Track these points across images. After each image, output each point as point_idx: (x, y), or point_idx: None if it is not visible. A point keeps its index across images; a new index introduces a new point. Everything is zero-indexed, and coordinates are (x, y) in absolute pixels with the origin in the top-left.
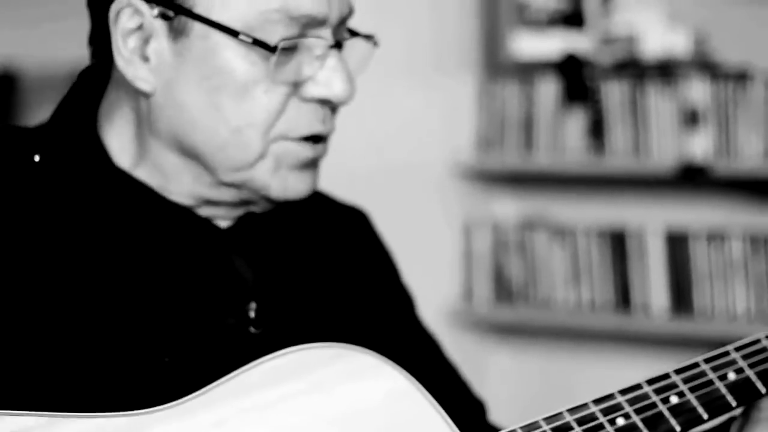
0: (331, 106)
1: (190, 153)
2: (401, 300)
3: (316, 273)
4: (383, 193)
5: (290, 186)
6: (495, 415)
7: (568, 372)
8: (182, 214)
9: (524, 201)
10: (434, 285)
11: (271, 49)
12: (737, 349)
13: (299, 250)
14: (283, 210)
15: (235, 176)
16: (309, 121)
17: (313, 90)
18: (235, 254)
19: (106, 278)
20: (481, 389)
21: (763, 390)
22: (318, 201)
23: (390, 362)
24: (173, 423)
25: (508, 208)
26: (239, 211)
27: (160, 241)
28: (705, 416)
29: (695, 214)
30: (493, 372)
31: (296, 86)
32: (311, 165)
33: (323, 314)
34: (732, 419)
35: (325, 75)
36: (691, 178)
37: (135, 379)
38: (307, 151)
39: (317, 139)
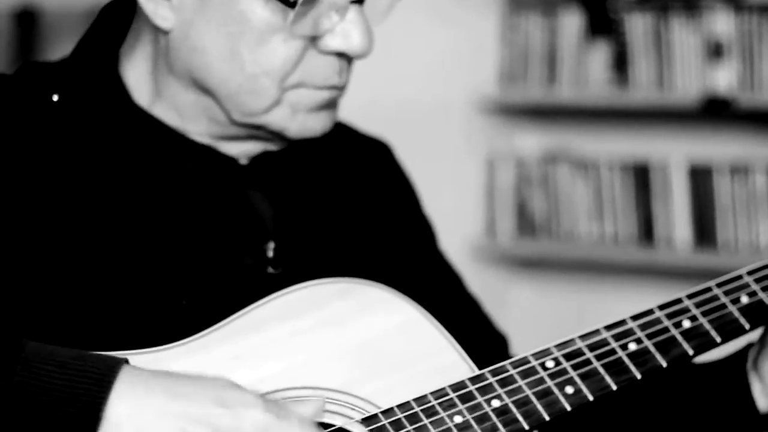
0: (347, 58)
1: (205, 93)
2: (422, 232)
3: (337, 208)
4: (407, 128)
5: (308, 126)
6: (517, 348)
7: (590, 305)
8: (201, 151)
9: (547, 135)
10: (457, 220)
11: (291, 3)
12: (750, 273)
13: (320, 185)
14: (304, 144)
15: (249, 119)
16: (325, 72)
17: (330, 42)
18: (255, 191)
19: (125, 218)
20: (504, 323)
21: None
22: (340, 133)
23: (402, 295)
24: (188, 359)
25: (531, 142)
26: (257, 148)
27: (179, 179)
28: (718, 339)
29: (719, 147)
30: (516, 306)
31: (314, 38)
32: (329, 106)
33: (343, 251)
34: (750, 346)
35: (343, 28)
36: (715, 111)
37: (153, 322)
38: (322, 94)
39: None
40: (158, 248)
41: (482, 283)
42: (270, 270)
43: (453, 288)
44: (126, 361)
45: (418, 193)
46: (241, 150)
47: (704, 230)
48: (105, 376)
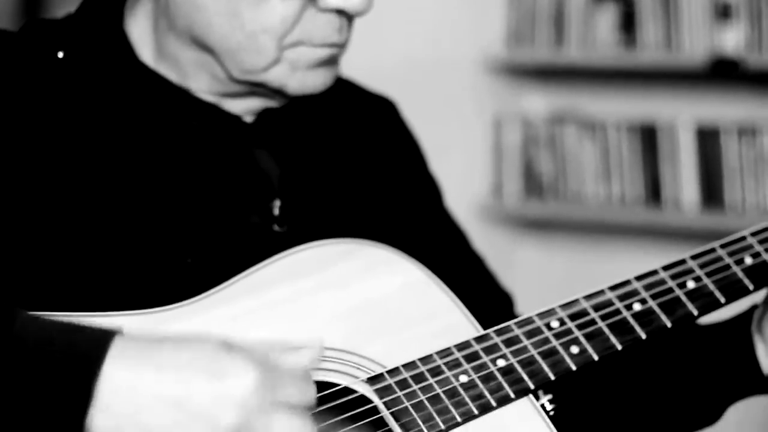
0: (347, 16)
1: (206, 50)
2: (428, 189)
3: (343, 165)
4: (414, 88)
5: (308, 83)
6: (523, 308)
7: (597, 266)
8: (206, 109)
9: (554, 95)
10: (464, 180)
11: None
12: (754, 234)
13: (325, 142)
14: (309, 101)
15: (249, 77)
16: (325, 31)
17: (329, 0)
18: (260, 149)
19: (130, 174)
20: (510, 283)
21: None
22: (346, 90)
23: (406, 256)
24: (191, 319)
25: (538, 102)
26: (258, 104)
27: (184, 137)
28: (722, 300)
29: (726, 108)
30: (522, 266)
31: None
32: (329, 62)
33: (348, 209)
34: (754, 307)
35: None
36: (723, 72)
37: (157, 280)
38: (323, 51)
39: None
40: (163, 206)
41: (488, 243)
42: (276, 228)
43: (458, 245)
44: (118, 333)
45: (423, 151)
46: (244, 107)
47: (711, 191)
48: (95, 350)
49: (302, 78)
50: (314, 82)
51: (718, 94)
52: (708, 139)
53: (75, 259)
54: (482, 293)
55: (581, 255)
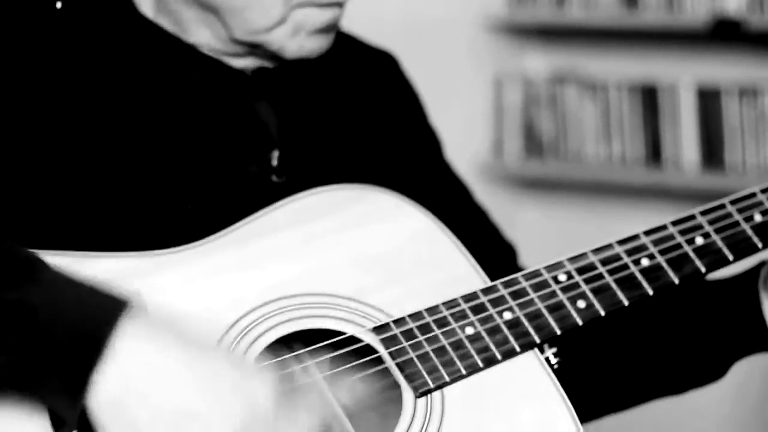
0: None
1: (208, 9)
2: (428, 142)
3: (342, 117)
4: (414, 47)
5: (306, 47)
6: (523, 266)
7: (596, 227)
8: (205, 60)
9: (555, 55)
10: (465, 139)
11: None
12: (763, 191)
13: (325, 94)
14: (304, 60)
15: (251, 37)
16: None
17: None
18: (260, 100)
19: (130, 123)
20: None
21: None
22: (346, 43)
23: (412, 202)
24: (197, 261)
25: (539, 62)
26: (254, 64)
27: (184, 87)
28: (730, 257)
29: (727, 69)
30: (522, 226)
31: None
32: (329, 29)
33: (348, 161)
34: (761, 264)
35: None
36: (724, 33)
37: (158, 225)
38: (326, 14)
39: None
40: (163, 154)
41: (488, 203)
42: (274, 179)
43: (460, 197)
44: (136, 301)
45: (423, 104)
46: (240, 65)
47: (712, 152)
48: (113, 315)
49: (301, 42)
50: (312, 47)
51: (720, 54)
52: (709, 100)
53: (78, 204)
54: (486, 244)
55: (581, 215)
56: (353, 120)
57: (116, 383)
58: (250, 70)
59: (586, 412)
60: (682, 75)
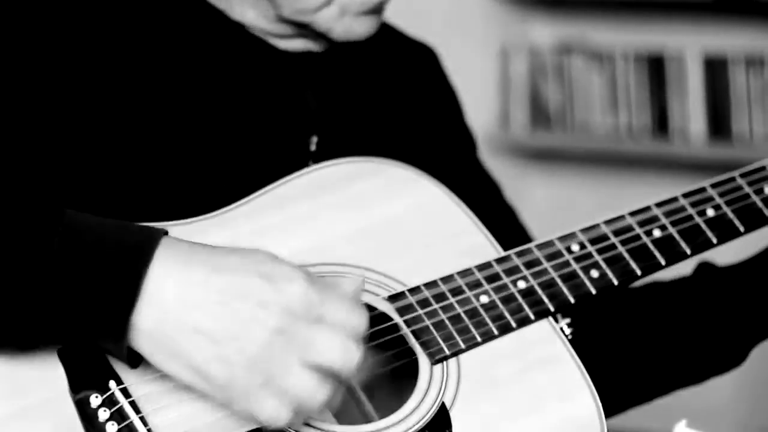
0: None
1: None
2: (463, 139)
3: (381, 107)
4: (420, 17)
5: (354, 30)
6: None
7: (604, 196)
8: (250, 39)
9: (562, 25)
10: (471, 110)
11: None
12: None
13: (366, 84)
14: (352, 43)
15: (298, 17)
16: None
17: None
18: (302, 85)
19: (175, 97)
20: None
21: None
22: (388, 35)
23: (428, 176)
24: (214, 231)
25: (546, 32)
26: (300, 46)
27: (228, 66)
28: (741, 229)
29: (734, 39)
30: (530, 197)
31: None
32: (376, 11)
33: (384, 150)
34: None
35: None
36: (731, 2)
37: (193, 201)
38: None
39: None
40: (203, 132)
41: (496, 173)
42: (311, 164)
43: (491, 195)
44: (166, 233)
45: (460, 101)
46: (286, 47)
47: (719, 122)
48: (146, 246)
49: (349, 24)
50: (359, 29)
51: (726, 24)
52: (716, 69)
53: (115, 170)
54: (513, 245)
55: (587, 185)
56: (392, 111)
57: (154, 316)
58: (296, 53)
59: (605, 407)
60: (688, 45)
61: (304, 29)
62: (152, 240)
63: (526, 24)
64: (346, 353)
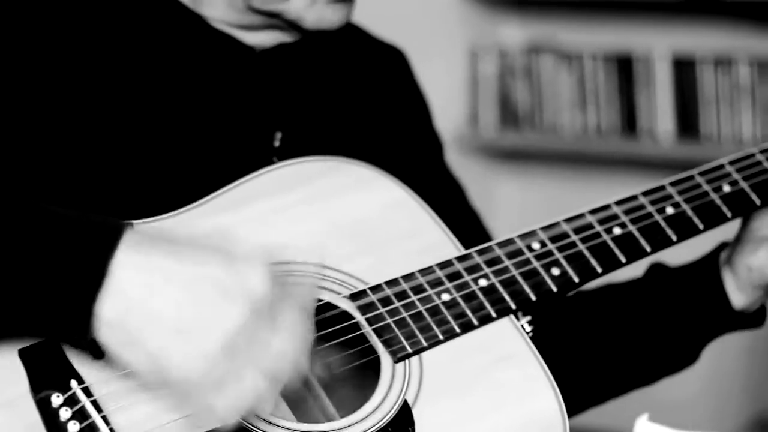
0: None
1: None
2: (430, 143)
3: (347, 106)
4: (389, 17)
5: (325, 17)
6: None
7: (572, 196)
8: (217, 37)
9: (531, 26)
10: (440, 110)
11: None
12: (732, 163)
13: (333, 83)
14: (318, 40)
15: (268, 6)
16: None
17: None
18: (266, 80)
19: (138, 93)
20: (486, 214)
21: (757, 201)
22: (357, 36)
23: (389, 175)
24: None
25: (515, 32)
26: (271, 38)
27: (192, 61)
28: (701, 226)
29: (703, 39)
30: (499, 197)
31: None
32: None
33: (348, 149)
34: (722, 245)
35: None
36: (699, 2)
37: (154, 198)
38: None
39: None
40: (166, 127)
41: (464, 173)
42: (275, 160)
43: (455, 199)
44: (130, 226)
45: (429, 104)
46: (257, 40)
47: (687, 122)
48: (111, 236)
49: (320, 11)
50: (331, 17)
51: (695, 24)
52: (684, 69)
53: (76, 167)
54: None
55: (557, 185)
56: (358, 110)
57: (117, 304)
58: (264, 47)
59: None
60: (657, 45)
61: (274, 19)
62: (117, 231)
63: (496, 24)
64: (296, 363)
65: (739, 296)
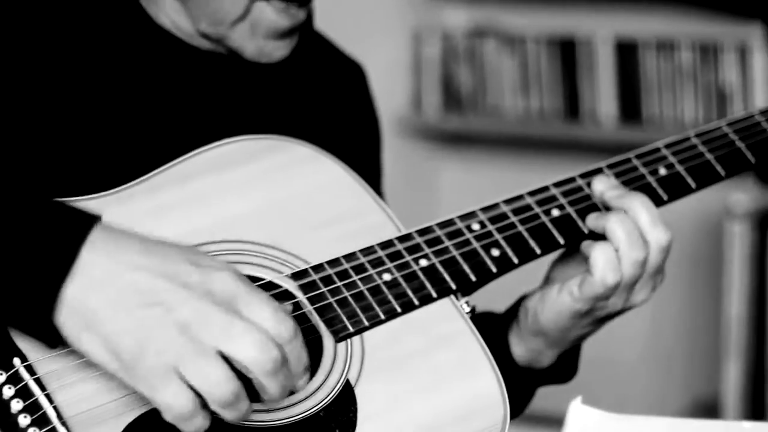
0: None
1: None
2: (371, 166)
3: (301, 115)
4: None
5: (264, 51)
6: None
7: (516, 180)
8: (173, 41)
9: (474, 9)
10: (383, 94)
11: None
12: (668, 146)
13: (288, 89)
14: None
15: (214, 30)
16: None
17: None
18: (221, 85)
19: (93, 94)
20: (430, 197)
21: (693, 185)
22: (319, 45)
23: (329, 154)
24: (113, 208)
25: (459, 15)
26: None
27: (150, 66)
28: None
29: (645, 23)
30: (442, 180)
31: None
32: (289, 33)
33: None
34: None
35: None
36: None
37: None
38: (284, 21)
39: (300, 3)
40: (119, 128)
41: (409, 156)
42: None
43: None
44: (100, 218)
45: (380, 126)
46: (210, 48)
47: (629, 105)
48: (82, 224)
49: (261, 45)
50: (271, 52)
51: (637, 8)
52: (626, 53)
53: (28, 152)
54: None
55: (500, 168)
56: (310, 120)
57: (80, 288)
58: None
59: None
60: (600, 29)
61: (219, 44)
62: (92, 218)
63: (439, 8)
64: (262, 352)
65: (521, 349)
